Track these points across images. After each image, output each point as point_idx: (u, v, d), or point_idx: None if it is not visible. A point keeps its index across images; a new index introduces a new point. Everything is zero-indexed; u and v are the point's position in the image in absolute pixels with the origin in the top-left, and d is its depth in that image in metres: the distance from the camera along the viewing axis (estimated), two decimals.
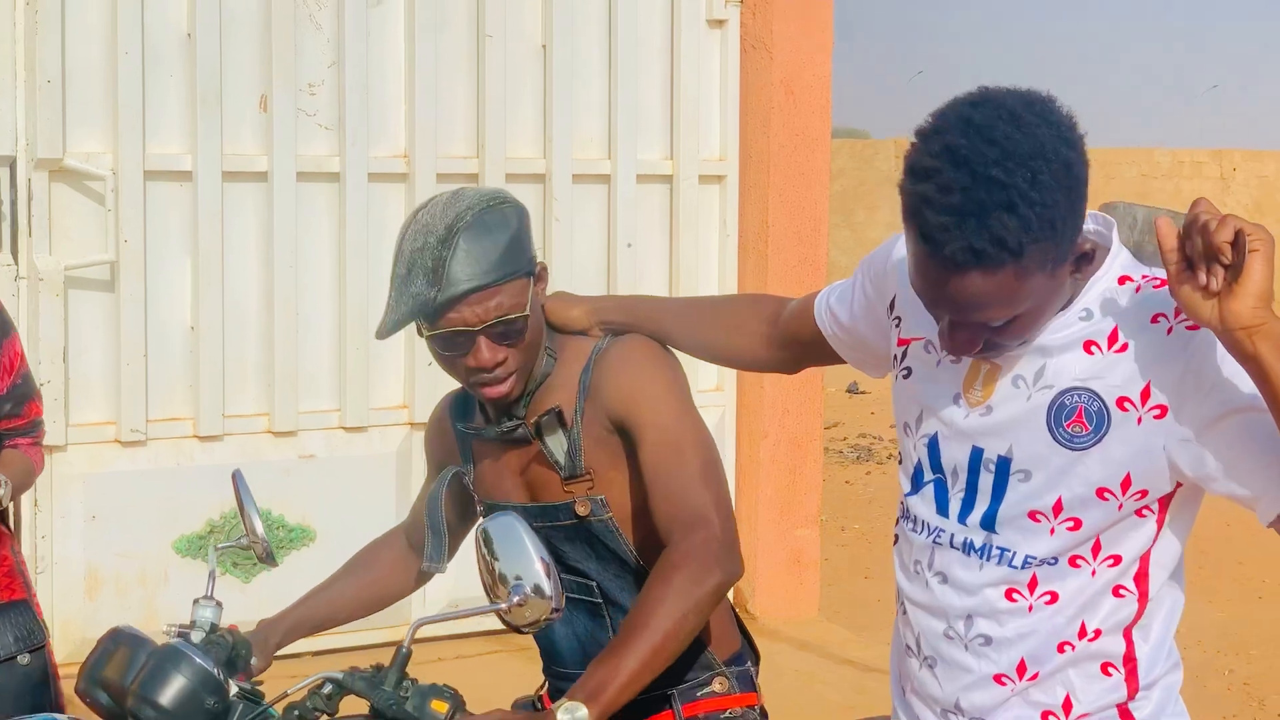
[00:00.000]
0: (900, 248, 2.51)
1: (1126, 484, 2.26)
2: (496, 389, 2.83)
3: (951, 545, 2.40)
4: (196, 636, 2.74)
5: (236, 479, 2.82)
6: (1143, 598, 2.36)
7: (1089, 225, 2.29)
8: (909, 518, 2.49)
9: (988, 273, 2.14)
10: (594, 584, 2.96)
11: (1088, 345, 2.26)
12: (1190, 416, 2.20)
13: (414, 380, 6.29)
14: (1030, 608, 2.35)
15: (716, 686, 2.99)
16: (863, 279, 2.67)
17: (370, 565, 3.21)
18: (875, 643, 6.94)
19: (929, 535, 2.44)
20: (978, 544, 2.37)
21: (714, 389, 6.92)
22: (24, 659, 3.29)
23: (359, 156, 6.15)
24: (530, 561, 2.45)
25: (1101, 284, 2.28)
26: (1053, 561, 2.32)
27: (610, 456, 2.89)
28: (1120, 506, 2.27)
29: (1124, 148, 28.94)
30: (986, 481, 2.35)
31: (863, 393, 15.79)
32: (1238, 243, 2.04)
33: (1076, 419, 2.27)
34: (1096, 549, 2.31)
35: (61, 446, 5.70)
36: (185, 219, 5.90)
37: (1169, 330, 2.20)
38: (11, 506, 3.43)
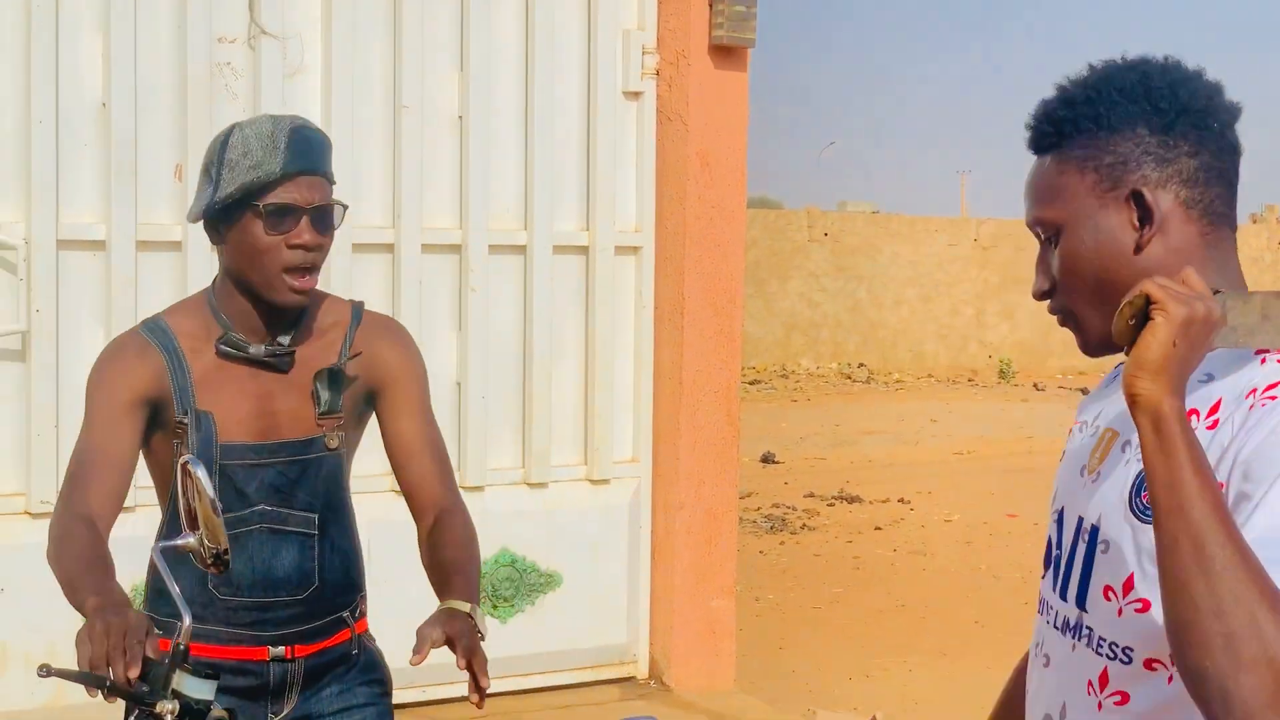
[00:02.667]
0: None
1: None
2: (307, 280, 3.17)
3: (1055, 625, 2.28)
4: None
5: (191, 464, 2.66)
6: (1171, 672, 2.09)
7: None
8: (1040, 603, 2.36)
9: (1040, 158, 2.22)
10: (315, 518, 3.28)
11: (1192, 412, 2.05)
12: (1236, 481, 2.01)
13: None
14: (1100, 705, 2.16)
15: (363, 605, 3.43)
16: None
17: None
18: (791, 714, 6.93)
19: (1045, 615, 2.32)
20: (1072, 621, 2.23)
21: (629, 460, 6.93)
22: None
23: None
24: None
25: (1242, 356, 2.11)
26: (1127, 659, 2.12)
27: (353, 403, 3.31)
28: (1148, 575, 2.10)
29: None
30: (1081, 551, 2.23)
31: (777, 462, 15.83)
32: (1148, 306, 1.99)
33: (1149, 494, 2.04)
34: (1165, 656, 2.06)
35: None
36: (99, 288, 5.86)
37: (1251, 406, 2.04)
38: None
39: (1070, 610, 2.22)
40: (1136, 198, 2.13)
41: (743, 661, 7.31)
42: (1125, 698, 2.12)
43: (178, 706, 2.63)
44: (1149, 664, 2.10)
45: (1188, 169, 2.13)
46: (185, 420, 3.21)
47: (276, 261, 3.15)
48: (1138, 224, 2.14)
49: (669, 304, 6.91)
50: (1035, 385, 25.96)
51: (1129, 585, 2.12)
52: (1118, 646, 2.12)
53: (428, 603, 3.10)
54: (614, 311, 6.86)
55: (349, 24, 6.25)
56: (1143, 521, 2.09)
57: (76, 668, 2.72)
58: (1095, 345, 2.21)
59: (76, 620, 2.80)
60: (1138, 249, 2.15)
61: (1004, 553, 11.32)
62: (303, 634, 3.30)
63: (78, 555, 3.03)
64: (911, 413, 20.36)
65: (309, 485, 3.28)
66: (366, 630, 3.44)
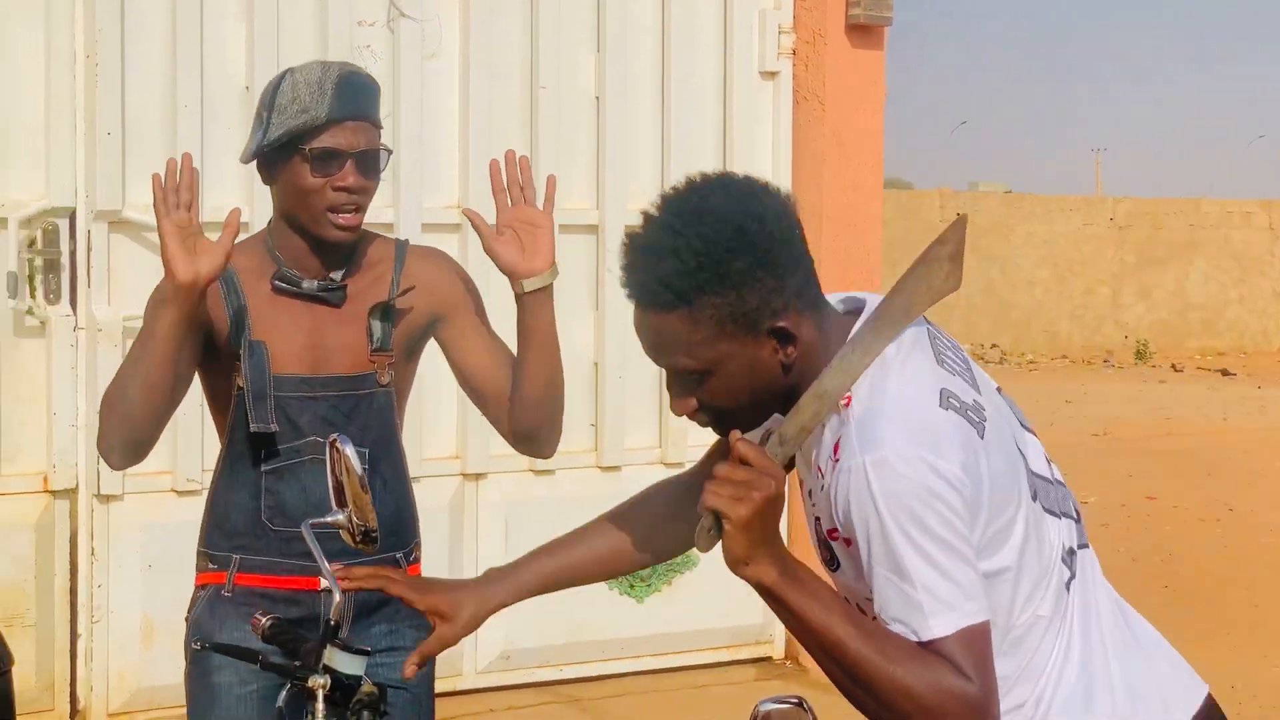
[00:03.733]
0: None
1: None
2: (353, 218, 3.28)
3: None
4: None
5: (340, 442, 2.76)
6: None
7: (837, 305, 2.53)
8: None
9: (660, 314, 2.36)
10: (366, 452, 3.27)
11: (815, 464, 2.43)
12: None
13: (466, 432, 6.29)
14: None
15: (418, 553, 3.48)
16: None
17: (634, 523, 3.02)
18: None
19: None
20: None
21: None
22: None
23: (413, 206, 6.18)
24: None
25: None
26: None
27: (407, 338, 3.40)
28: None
29: (1171, 198, 28.86)
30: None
31: None
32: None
33: (821, 551, 2.48)
34: None
35: (118, 495, 5.72)
36: None
37: (836, 463, 2.36)
38: None
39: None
40: (777, 332, 2.37)
41: None
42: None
43: (329, 681, 2.67)
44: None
45: (794, 284, 2.37)
46: (241, 350, 3.31)
47: (322, 202, 3.28)
48: (780, 348, 2.38)
49: None
50: (1174, 366, 25.59)
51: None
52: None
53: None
54: None
55: (486, 6, 6.29)
56: (829, 572, 2.46)
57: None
58: (745, 431, 2.44)
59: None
60: (786, 369, 2.40)
61: (1143, 536, 11.18)
62: (353, 568, 3.25)
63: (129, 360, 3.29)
64: (1046, 393, 20.13)
65: (360, 420, 3.35)
66: (419, 576, 3.42)
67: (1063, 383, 22.42)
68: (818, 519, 2.46)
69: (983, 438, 2.41)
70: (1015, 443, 2.57)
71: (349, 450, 2.71)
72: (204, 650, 3.22)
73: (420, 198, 6.19)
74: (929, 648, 2.28)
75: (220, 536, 3.40)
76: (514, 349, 3.49)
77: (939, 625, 2.28)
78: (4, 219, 5.51)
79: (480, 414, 6.15)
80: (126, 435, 3.28)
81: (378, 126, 3.36)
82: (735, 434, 2.34)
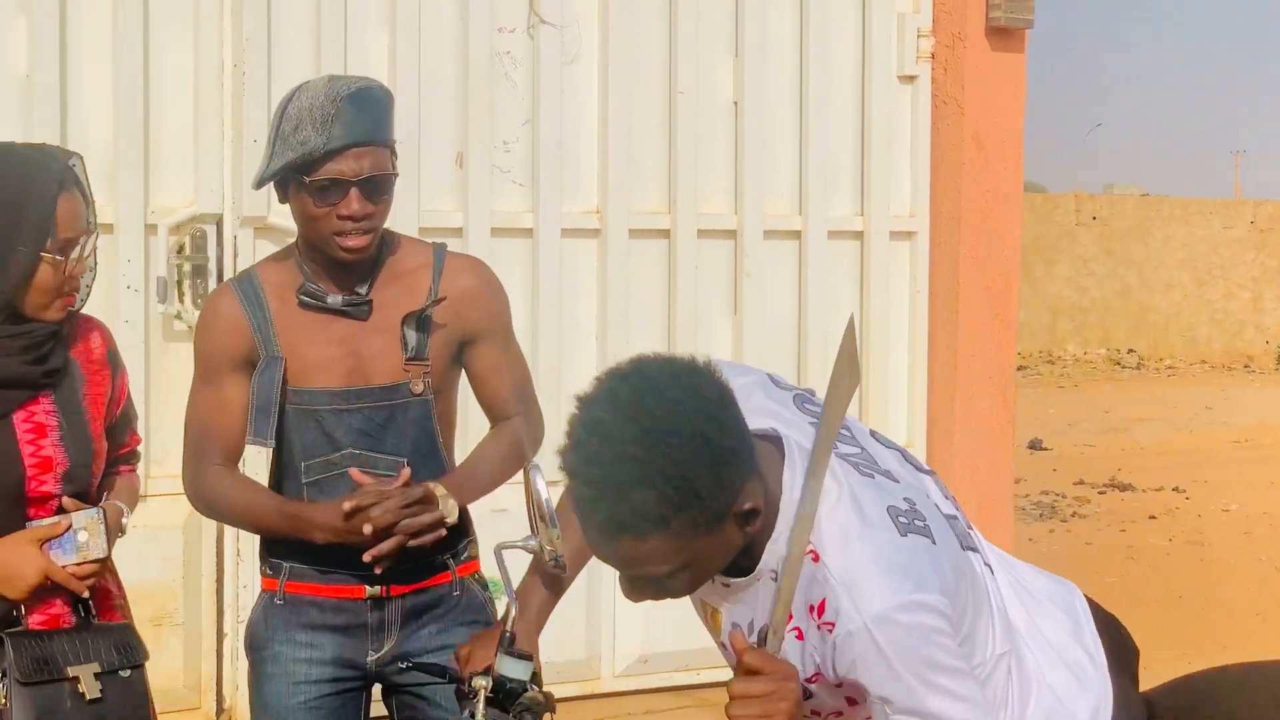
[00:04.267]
0: None
1: (851, 701, 2.50)
2: (360, 239, 3.29)
3: None
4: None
5: (532, 472, 2.75)
6: None
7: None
8: None
9: (637, 540, 2.29)
10: (404, 461, 3.35)
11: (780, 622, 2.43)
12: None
13: None
14: None
15: (472, 550, 3.52)
16: None
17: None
18: None
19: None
20: None
21: (903, 445, 6.88)
22: (125, 673, 3.33)
23: (552, 212, 6.22)
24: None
25: (778, 545, 2.43)
26: None
27: (443, 348, 3.41)
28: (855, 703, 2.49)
29: None
30: None
31: (1045, 449, 15.61)
32: None
33: None
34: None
35: None
36: None
37: (819, 627, 2.40)
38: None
39: None
40: (743, 515, 2.36)
41: None
42: None
43: (490, 683, 2.71)
44: None
45: (748, 463, 2.37)
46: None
47: (328, 228, 3.31)
48: (744, 525, 2.37)
49: (943, 289, 6.85)
50: None
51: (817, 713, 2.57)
52: None
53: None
54: (888, 297, 6.83)
55: (625, 11, 6.31)
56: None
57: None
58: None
59: None
60: (749, 530, 2.39)
61: None
62: (398, 574, 3.38)
63: (241, 495, 3.47)
64: (1185, 399, 19.91)
65: (396, 430, 3.39)
66: (477, 573, 3.54)
67: (1202, 388, 22.14)
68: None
69: (934, 542, 2.47)
70: (937, 508, 2.60)
71: (539, 482, 2.70)
72: (408, 669, 3.33)
73: (559, 203, 6.22)
74: None
75: (274, 545, 3.49)
76: (525, 365, 3.67)
77: None
78: (154, 225, 5.60)
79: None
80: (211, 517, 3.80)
81: (385, 145, 3.35)
82: (738, 636, 2.40)
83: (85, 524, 3.27)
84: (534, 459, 3.26)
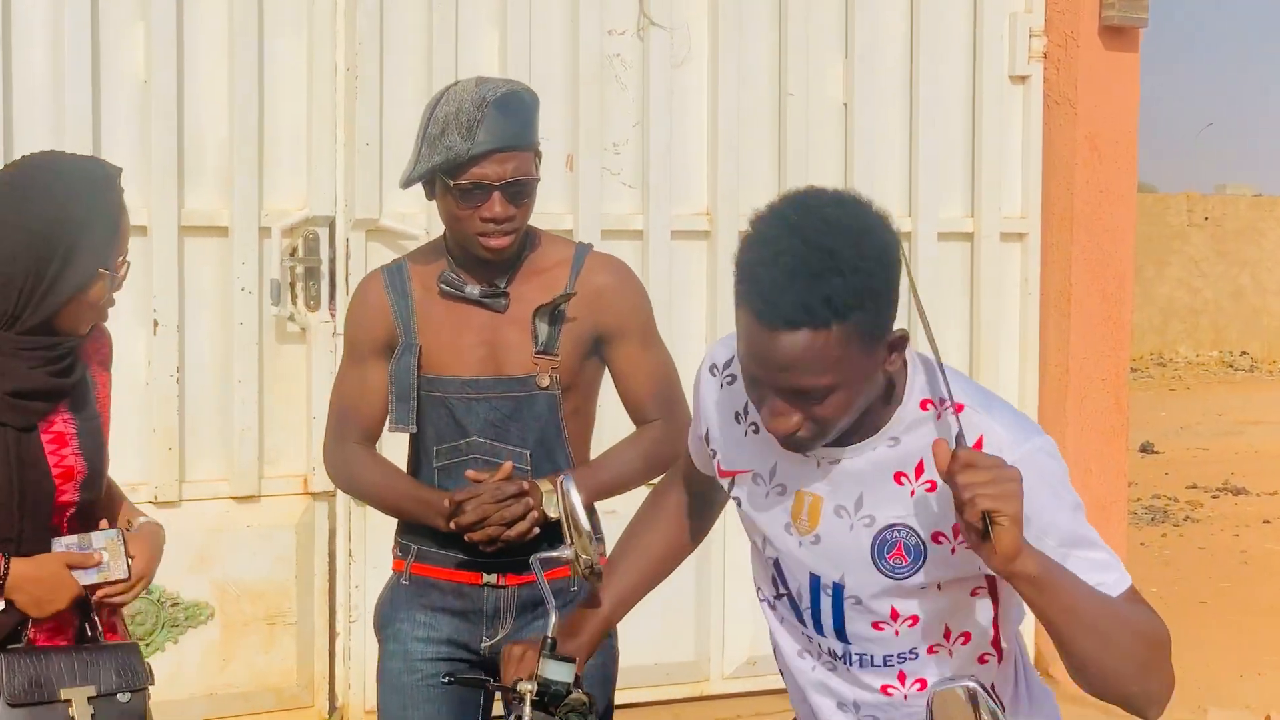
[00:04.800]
0: (707, 389, 2.81)
1: (941, 583, 2.58)
2: (502, 240, 3.39)
3: (821, 652, 2.73)
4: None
5: (565, 483, 2.85)
6: (1000, 656, 2.70)
7: None
8: (776, 611, 2.83)
9: (814, 331, 2.34)
10: (528, 453, 3.46)
11: (898, 476, 2.54)
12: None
13: None
14: (906, 697, 2.67)
15: (601, 549, 3.33)
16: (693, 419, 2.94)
17: (656, 525, 3.22)
18: (1181, 710, 6.76)
19: (804, 632, 2.75)
20: (839, 652, 2.69)
21: None
22: (124, 697, 3.31)
23: (662, 214, 6.22)
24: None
25: (908, 409, 2.54)
26: (913, 655, 2.65)
27: (574, 345, 3.48)
28: (944, 591, 2.58)
29: None
30: (827, 604, 2.65)
31: (1156, 452, 15.44)
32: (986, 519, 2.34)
33: (897, 553, 2.56)
34: (948, 634, 2.63)
35: None
36: None
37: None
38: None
39: (834, 643, 2.69)
40: (894, 343, 2.46)
41: None
42: (923, 682, 2.63)
43: (535, 687, 2.74)
44: (931, 649, 2.64)
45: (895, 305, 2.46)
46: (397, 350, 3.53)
47: (472, 228, 3.41)
48: (890, 357, 2.47)
49: (1055, 290, 6.80)
50: None
51: (895, 614, 2.61)
52: (904, 653, 2.64)
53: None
54: (999, 299, 6.78)
55: (735, 13, 6.31)
56: (892, 579, 2.57)
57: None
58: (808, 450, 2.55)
59: None
60: (889, 371, 2.49)
61: None
62: (517, 564, 3.44)
63: (378, 476, 3.60)
64: None
65: (522, 421, 3.47)
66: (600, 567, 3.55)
67: None
68: (897, 526, 2.57)
69: None
70: None
71: (570, 489, 2.80)
72: (451, 683, 3.39)
73: (670, 206, 6.23)
74: (1128, 595, 2.51)
75: (406, 527, 3.61)
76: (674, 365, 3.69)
77: (1125, 576, 2.52)
78: (267, 228, 5.66)
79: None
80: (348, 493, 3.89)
81: (528, 149, 3.43)
82: (941, 447, 2.41)
83: (105, 544, 3.28)
84: (567, 472, 3.29)
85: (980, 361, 6.73)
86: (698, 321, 6.33)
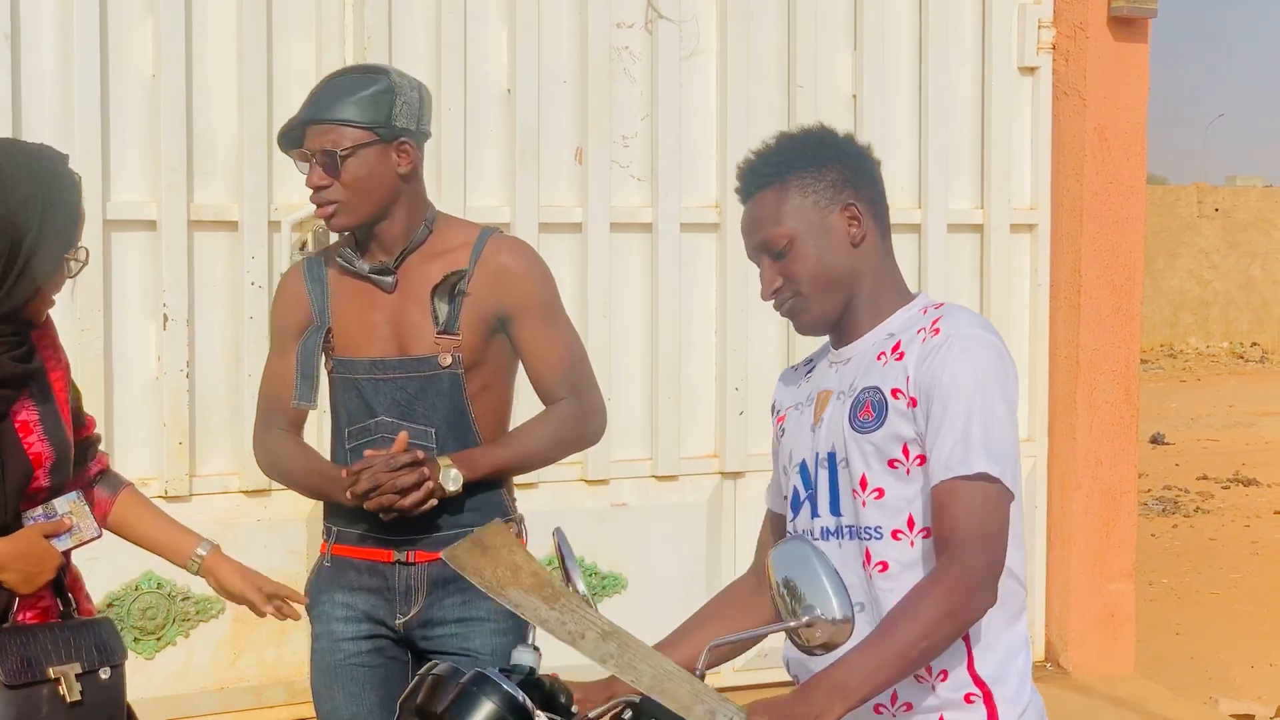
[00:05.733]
0: (782, 377, 3.21)
1: (907, 451, 2.82)
2: (322, 210, 3.51)
3: (823, 537, 2.92)
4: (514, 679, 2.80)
5: (558, 536, 2.90)
6: None
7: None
8: (794, 538, 2.93)
9: (765, 189, 2.90)
10: (433, 431, 3.54)
11: (880, 355, 2.89)
12: (923, 402, 2.81)
13: (725, 430, 6.33)
14: (869, 576, 2.86)
15: (514, 529, 3.59)
16: (774, 440, 3.18)
17: (721, 614, 3.24)
18: (1192, 700, 6.77)
19: (813, 521, 2.96)
20: (832, 528, 2.92)
21: (1025, 439, 6.84)
22: (105, 673, 3.32)
23: (671, 207, 6.22)
24: (820, 584, 2.56)
25: (906, 313, 2.95)
26: (877, 534, 2.86)
27: (477, 324, 3.54)
28: (909, 471, 2.82)
29: None
30: (824, 477, 2.93)
31: (1166, 443, 15.44)
32: None
33: (865, 410, 2.86)
34: (910, 524, 2.83)
35: None
36: None
37: (924, 340, 2.84)
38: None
39: (828, 520, 2.93)
40: (850, 208, 2.91)
41: (1138, 645, 7.17)
42: (885, 565, 2.84)
43: (629, 711, 2.71)
44: (894, 534, 2.84)
45: (870, 197, 2.95)
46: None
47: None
48: (851, 227, 2.92)
49: (1065, 282, 6.79)
50: None
51: (864, 482, 2.86)
52: (870, 529, 2.86)
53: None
54: (1009, 290, 6.78)
55: (743, 6, 6.30)
56: (861, 433, 2.86)
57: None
58: (811, 325, 2.97)
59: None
60: (855, 244, 2.92)
61: None
62: (425, 542, 3.55)
63: (294, 458, 3.71)
64: None
65: (427, 400, 3.55)
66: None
67: None
68: (868, 388, 2.87)
69: None
70: None
71: (560, 543, 2.85)
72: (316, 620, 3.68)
73: (679, 198, 6.23)
74: (969, 480, 2.72)
75: (328, 510, 3.71)
76: (580, 347, 3.77)
77: (986, 465, 2.73)
78: (277, 222, 5.66)
79: (738, 414, 6.22)
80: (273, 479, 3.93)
81: (345, 124, 3.50)
82: None
83: (70, 508, 3.32)
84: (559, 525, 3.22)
85: None
86: (706, 313, 6.33)
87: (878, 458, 2.85)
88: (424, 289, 3.56)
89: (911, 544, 2.84)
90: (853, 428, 2.88)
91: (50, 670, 3.21)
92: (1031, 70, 6.80)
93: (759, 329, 6.35)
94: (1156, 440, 15.49)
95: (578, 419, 3.66)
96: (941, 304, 2.94)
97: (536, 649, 2.82)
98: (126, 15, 5.52)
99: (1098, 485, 6.81)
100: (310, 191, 3.56)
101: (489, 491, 3.60)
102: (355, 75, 3.58)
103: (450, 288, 3.53)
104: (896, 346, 2.88)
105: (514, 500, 3.71)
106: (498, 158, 6.03)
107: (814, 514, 2.96)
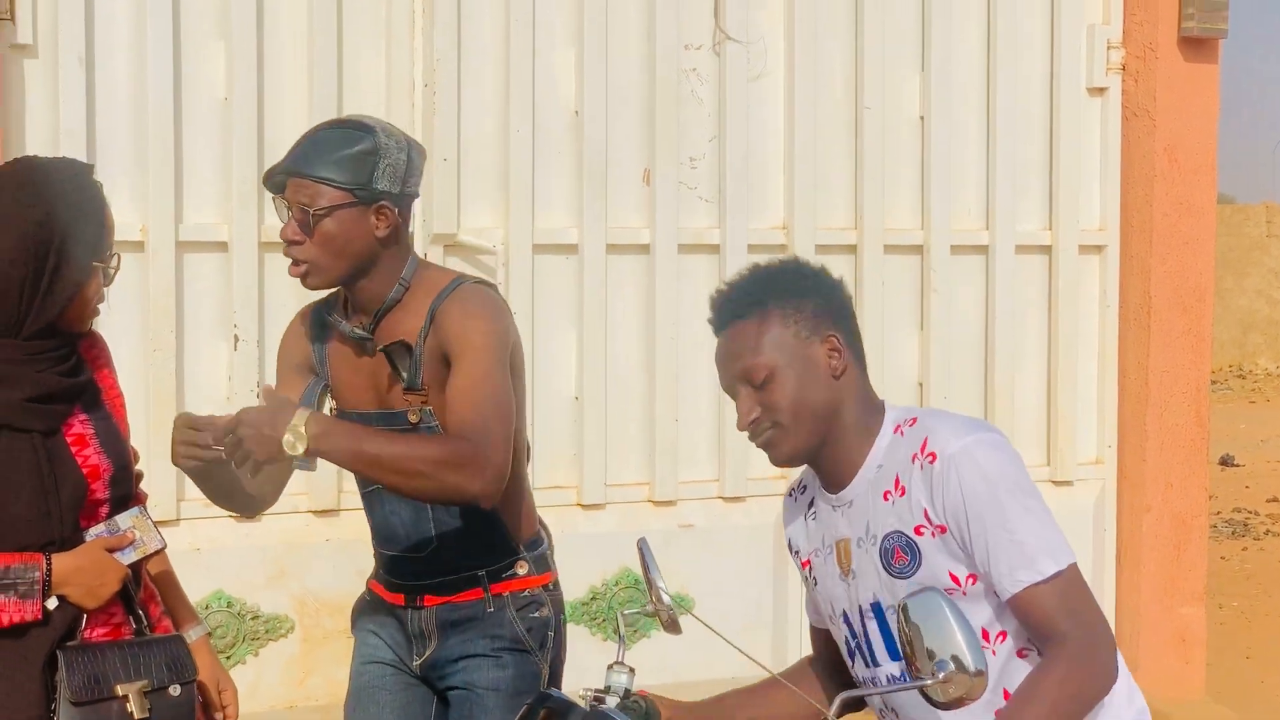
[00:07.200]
0: (788, 510, 3.21)
1: (956, 577, 2.82)
2: (293, 269, 3.45)
3: (890, 684, 2.92)
4: (611, 701, 2.83)
5: (642, 547, 2.95)
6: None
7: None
8: (862, 684, 3.03)
9: (744, 320, 2.91)
10: None
11: (885, 495, 2.89)
12: (960, 531, 2.81)
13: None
14: None
15: (519, 569, 3.59)
16: (804, 581, 3.20)
17: (793, 681, 3.25)
18: None
19: (870, 675, 2.99)
20: (898, 674, 2.91)
21: (1093, 461, 6.80)
22: (175, 690, 3.33)
23: (738, 228, 6.22)
24: (953, 636, 2.49)
25: (884, 439, 2.93)
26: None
27: (439, 377, 3.42)
28: (965, 593, 2.82)
29: None
30: (874, 627, 2.94)
31: (1236, 465, 15.30)
32: None
33: (898, 556, 2.86)
34: (985, 635, 2.83)
35: None
36: (571, 291, 6.04)
37: (921, 468, 2.83)
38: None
39: (891, 667, 2.93)
40: (830, 339, 2.93)
41: (1208, 669, 7.10)
42: None
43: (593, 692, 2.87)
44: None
45: (848, 329, 2.98)
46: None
47: None
48: (832, 359, 2.92)
49: (1135, 303, 6.75)
50: None
51: None
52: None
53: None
54: (1077, 311, 6.75)
55: (811, 27, 6.30)
56: (902, 578, 2.86)
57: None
58: (788, 457, 2.94)
59: None
60: (836, 376, 2.93)
61: None
62: (431, 586, 3.58)
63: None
64: None
65: None
66: (521, 592, 3.60)
67: None
68: (891, 534, 2.87)
69: None
70: None
71: (645, 553, 2.93)
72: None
73: (746, 219, 6.23)
74: (1045, 584, 2.76)
75: (372, 544, 3.75)
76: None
77: (1051, 564, 2.76)
78: None
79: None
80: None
81: (320, 181, 3.39)
82: None
83: (133, 522, 3.35)
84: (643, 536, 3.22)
85: (1058, 375, 6.70)
86: None
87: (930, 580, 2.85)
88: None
89: (993, 653, 2.84)
90: (891, 575, 2.89)
91: (118, 688, 3.23)
92: (1101, 91, 6.77)
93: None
94: (1226, 462, 15.34)
95: (446, 460, 3.25)
96: (914, 419, 2.93)
97: (631, 669, 2.87)
98: (199, 38, 5.57)
99: (1168, 508, 6.76)
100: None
101: (494, 529, 3.56)
102: (341, 131, 3.45)
103: (406, 349, 3.45)
104: (897, 482, 2.88)
105: (535, 533, 3.66)
106: (565, 179, 6.04)
107: (872, 662, 2.98)
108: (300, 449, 3.20)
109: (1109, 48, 6.72)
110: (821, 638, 3.24)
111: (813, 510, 3.09)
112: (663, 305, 6.12)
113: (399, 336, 3.46)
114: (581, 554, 5.93)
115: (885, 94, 6.44)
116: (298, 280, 3.50)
